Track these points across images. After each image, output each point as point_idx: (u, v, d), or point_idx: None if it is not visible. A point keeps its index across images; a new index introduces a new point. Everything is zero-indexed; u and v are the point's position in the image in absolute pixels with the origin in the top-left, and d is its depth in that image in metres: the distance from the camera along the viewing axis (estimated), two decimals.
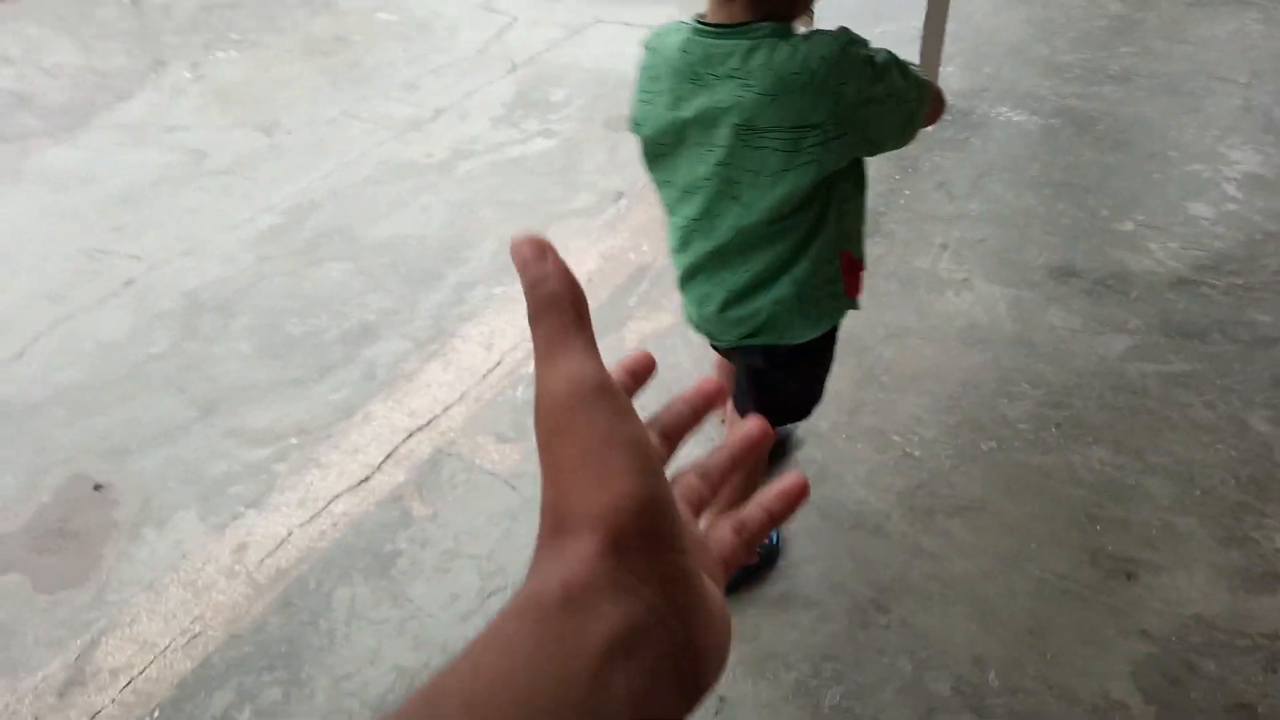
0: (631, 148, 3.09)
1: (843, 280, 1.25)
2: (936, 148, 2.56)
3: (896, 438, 1.76)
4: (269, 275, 2.59)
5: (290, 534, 1.71)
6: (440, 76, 3.70)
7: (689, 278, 1.30)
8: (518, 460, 1.78)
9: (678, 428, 0.37)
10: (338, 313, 2.43)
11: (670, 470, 0.34)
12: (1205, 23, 3.16)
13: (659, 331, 1.99)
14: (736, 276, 1.24)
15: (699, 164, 1.17)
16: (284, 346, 2.30)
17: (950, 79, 2.79)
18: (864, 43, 1.10)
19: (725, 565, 0.34)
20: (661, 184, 1.27)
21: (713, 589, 0.30)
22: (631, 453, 0.28)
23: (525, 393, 1.87)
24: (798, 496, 0.35)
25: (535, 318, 0.29)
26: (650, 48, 1.20)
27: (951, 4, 2.86)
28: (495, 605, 1.54)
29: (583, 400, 0.28)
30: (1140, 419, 1.74)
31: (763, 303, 1.24)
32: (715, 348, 1.40)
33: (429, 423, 1.94)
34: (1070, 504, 1.60)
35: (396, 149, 3.25)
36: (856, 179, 1.20)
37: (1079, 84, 2.76)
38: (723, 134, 1.12)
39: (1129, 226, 2.22)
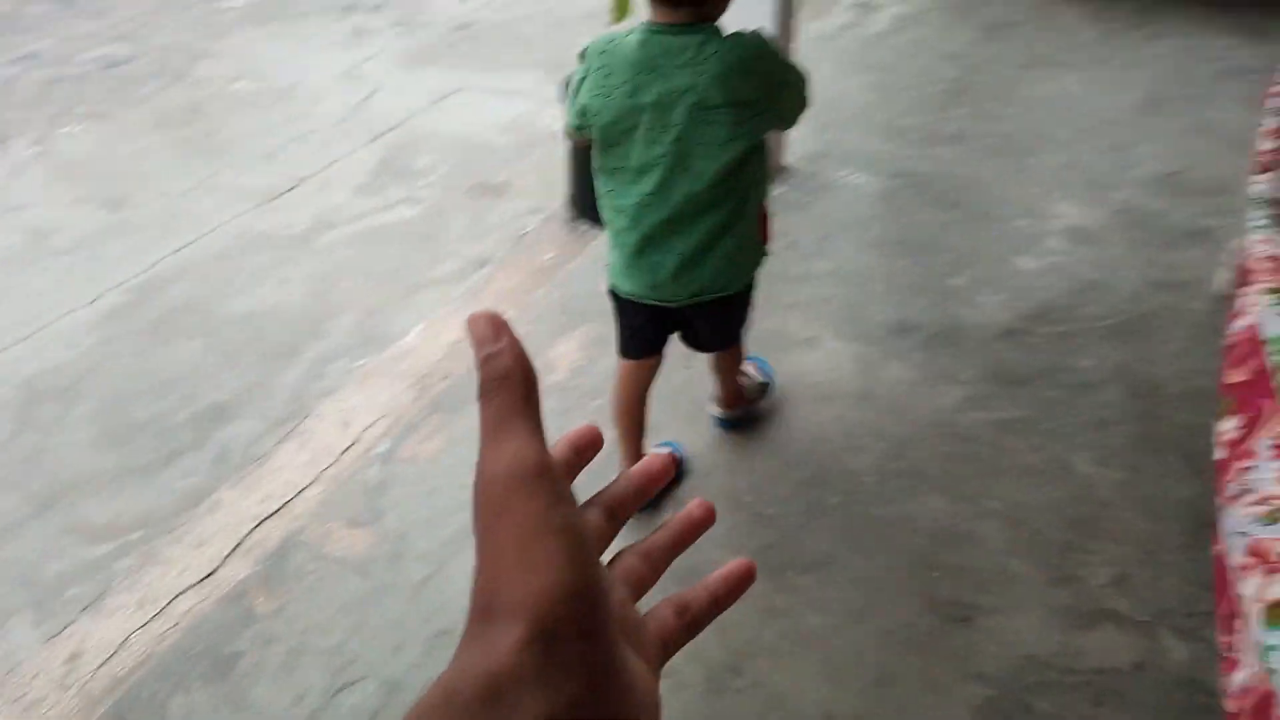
0: (496, 214, 3.10)
1: (761, 230, 1.58)
2: (784, 210, 2.66)
3: (749, 498, 1.80)
4: (114, 357, 2.48)
5: (127, 638, 1.63)
6: (301, 145, 3.65)
7: (639, 252, 1.52)
8: (369, 545, 1.74)
9: (623, 505, 0.37)
10: (188, 394, 2.34)
11: (612, 549, 0.35)
12: (1032, 85, 3.40)
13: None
14: (687, 241, 1.48)
15: (654, 144, 1.40)
16: (128, 432, 2.21)
17: (796, 144, 2.92)
18: (770, 45, 1.41)
19: (664, 648, 0.33)
20: (612, 170, 1.47)
21: (643, 677, 0.30)
22: (564, 540, 0.27)
23: (379, 473, 1.84)
24: (744, 581, 0.36)
25: (484, 394, 0.29)
26: (600, 51, 1.41)
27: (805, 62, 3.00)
28: (345, 701, 1.50)
29: (521, 483, 0.28)
30: (973, 466, 1.83)
31: (709, 263, 1.51)
32: (636, 325, 1.70)
33: (280, 509, 1.89)
34: (911, 553, 1.67)
35: (254, 221, 3.18)
36: (763, 147, 1.49)
37: (917, 146, 2.92)
38: (679, 113, 1.37)
39: (962, 281, 2.35)
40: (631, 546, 0.36)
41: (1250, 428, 1.31)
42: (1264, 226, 1.48)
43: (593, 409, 1.97)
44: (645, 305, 1.61)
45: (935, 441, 1.89)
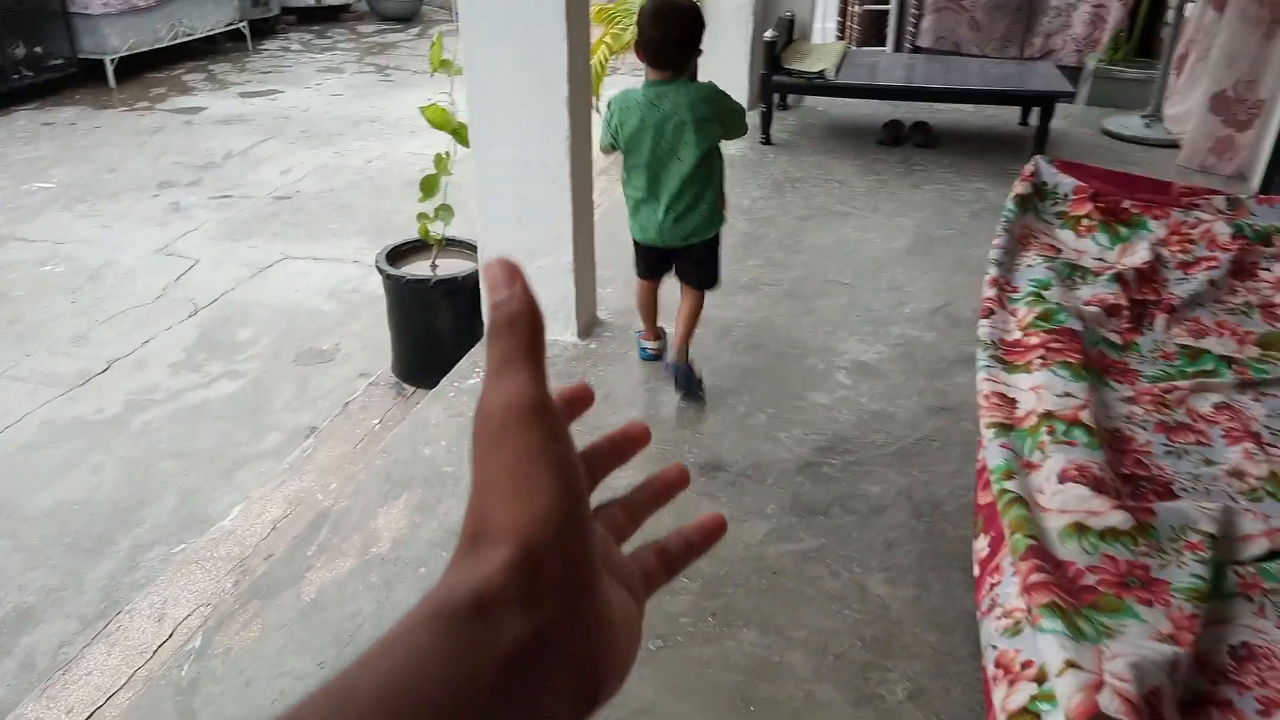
0: (322, 382, 3.11)
1: (720, 204, 2.54)
2: (597, 363, 2.82)
3: None
4: None
5: None
6: (114, 326, 3.58)
7: (649, 213, 2.47)
8: None
9: (603, 465, 0.39)
10: None
11: (594, 501, 0.36)
12: (815, 233, 3.77)
13: (339, 579, 1.99)
14: (677, 206, 2.43)
15: (656, 148, 2.37)
16: None
17: (609, 299, 3.12)
18: (720, 90, 2.44)
19: (647, 584, 0.36)
20: (632, 165, 2.43)
21: (626, 608, 0.32)
22: (556, 471, 0.29)
23: (193, 670, 1.79)
24: (716, 531, 0.39)
25: (492, 336, 0.30)
26: (620, 102, 2.41)
27: (606, 232, 3.23)
28: None
29: (519, 417, 0.29)
30: (780, 597, 1.96)
31: (690, 219, 2.45)
32: (649, 259, 2.61)
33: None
34: (727, 690, 1.75)
35: (62, 407, 3.08)
36: (719, 150, 2.46)
37: (716, 295, 3.16)
38: (670, 128, 2.35)
39: (762, 419, 2.54)
40: (613, 499, 0.38)
41: (995, 547, 1.49)
42: (987, 366, 1.72)
43: (416, 580, 1.99)
44: (653, 248, 2.55)
45: (746, 576, 2.02)
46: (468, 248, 3.10)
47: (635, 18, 5.07)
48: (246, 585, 2.05)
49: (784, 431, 2.49)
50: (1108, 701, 0.96)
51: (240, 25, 7.77)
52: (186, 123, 6.07)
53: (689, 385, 2.62)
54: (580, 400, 0.38)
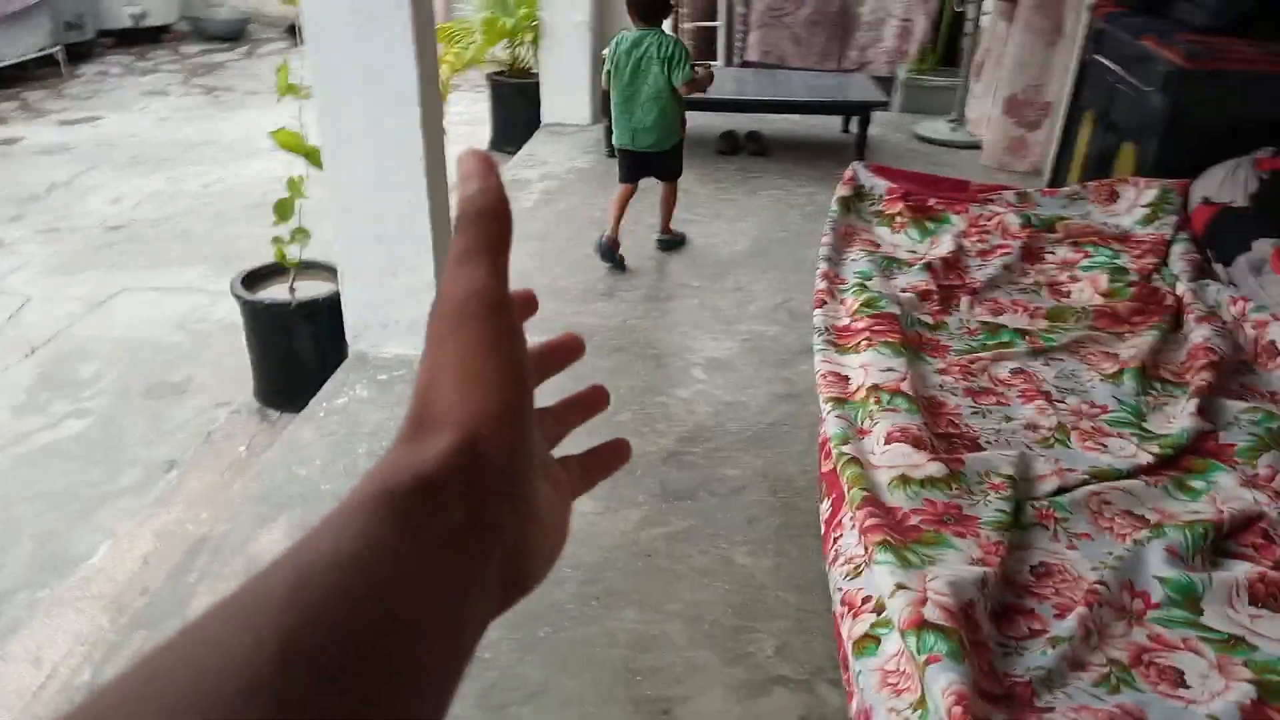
0: (178, 414, 3.06)
1: (680, 124, 3.54)
2: None
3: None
4: None
5: None
6: None
7: (626, 124, 3.43)
8: None
9: (539, 372, 0.40)
10: None
11: None
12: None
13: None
14: (645, 119, 3.40)
15: (635, 74, 3.34)
16: None
17: None
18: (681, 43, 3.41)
19: (572, 490, 0.37)
20: (616, 89, 3.40)
21: (554, 505, 0.33)
22: (506, 367, 0.29)
23: None
24: (624, 453, 0.43)
25: (459, 226, 0.31)
26: (617, 39, 3.40)
27: None
28: None
29: (476, 309, 0.30)
30: (656, 577, 2.12)
31: (655, 130, 3.42)
32: (629, 165, 3.57)
33: None
34: (613, 664, 1.90)
35: None
36: (675, 91, 3.38)
37: (578, 303, 3.30)
38: (645, 60, 3.32)
39: (629, 416, 2.70)
40: (545, 407, 0.39)
41: (837, 506, 1.69)
42: (822, 349, 1.94)
43: None
44: (629, 151, 3.51)
45: (623, 561, 2.17)
46: (325, 269, 3.12)
47: (474, 35, 5.17)
48: (127, 619, 2.04)
49: (649, 426, 2.66)
50: (930, 612, 1.15)
51: (54, 50, 7.35)
52: (2, 154, 5.72)
53: (669, 245, 3.85)
54: (525, 304, 0.39)
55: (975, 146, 5.23)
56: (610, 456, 0.42)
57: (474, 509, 0.27)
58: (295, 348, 3.03)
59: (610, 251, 3.59)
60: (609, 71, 3.43)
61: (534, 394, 0.33)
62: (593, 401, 0.44)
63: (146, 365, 3.46)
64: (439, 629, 0.25)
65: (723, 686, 1.86)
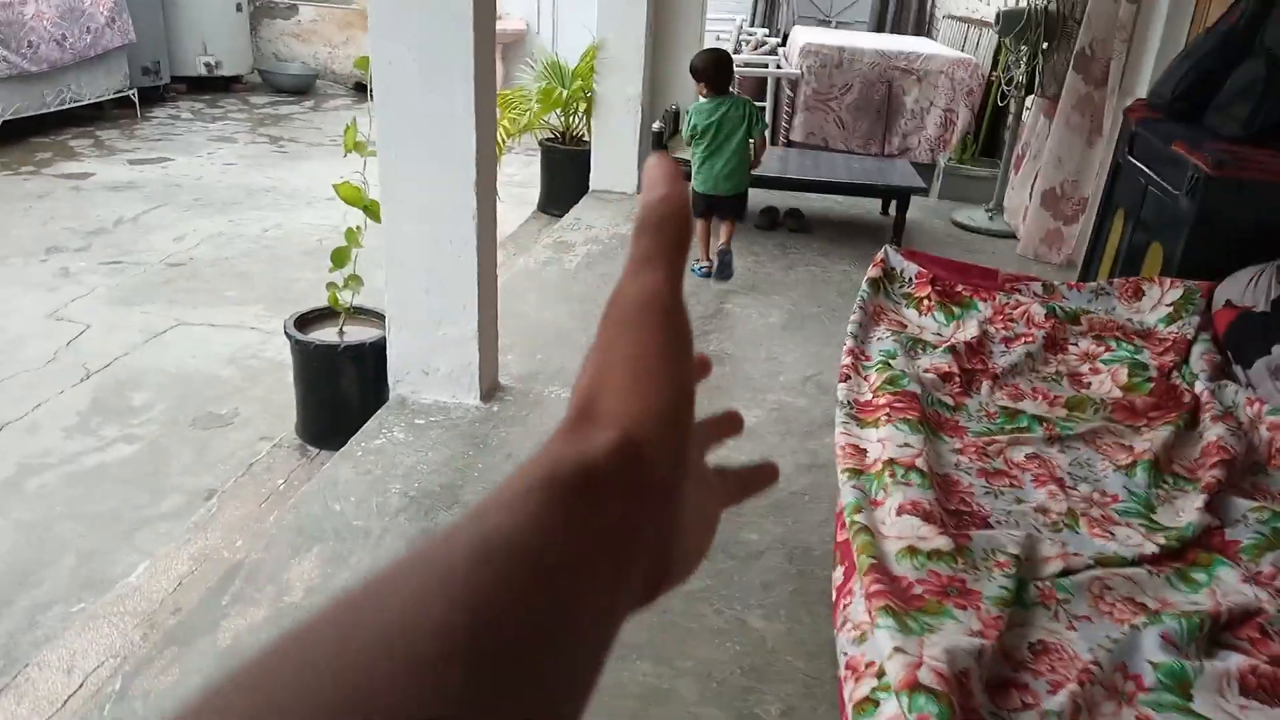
0: (222, 446, 3.18)
1: (754, 165, 4.32)
2: (500, 425, 3.01)
3: None
4: None
5: None
6: (2, 391, 3.55)
7: (706, 174, 4.14)
8: None
9: (711, 437, 0.41)
10: None
11: None
12: (700, 309, 4.08)
13: (254, 625, 2.10)
14: (726, 167, 4.12)
15: (718, 134, 4.06)
16: None
17: (510, 365, 3.33)
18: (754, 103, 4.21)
19: (724, 501, 0.39)
20: (699, 146, 4.10)
21: (703, 512, 0.34)
22: (674, 372, 0.30)
23: (112, 712, 1.86)
24: (772, 476, 0.43)
25: (640, 231, 0.31)
26: (696, 108, 4.09)
27: (508, 303, 3.45)
28: None
29: (650, 312, 0.30)
30: (672, 633, 2.17)
31: (732, 178, 4.16)
32: (706, 203, 4.22)
33: None
34: (623, 715, 1.94)
35: None
36: (749, 143, 4.15)
37: None
38: (726, 120, 4.05)
39: None
40: (700, 419, 0.38)
41: (848, 574, 1.75)
42: (844, 422, 2.01)
43: None
44: (709, 196, 4.16)
45: (640, 615, 2.22)
46: (374, 315, 3.26)
47: (530, 104, 5.39)
48: (159, 635, 2.13)
49: None
50: (925, 675, 1.21)
51: (129, 93, 7.75)
52: (74, 188, 6.02)
53: (727, 266, 4.37)
54: (730, 428, 0.40)
55: (1011, 236, 5.32)
56: (763, 476, 0.44)
57: (631, 510, 0.28)
58: (339, 389, 3.15)
59: (709, 271, 4.40)
60: (691, 133, 4.12)
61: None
62: (735, 425, 0.44)
63: (196, 397, 3.61)
64: (591, 619, 0.26)
65: None
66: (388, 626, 0.21)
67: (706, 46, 5.10)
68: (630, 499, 0.28)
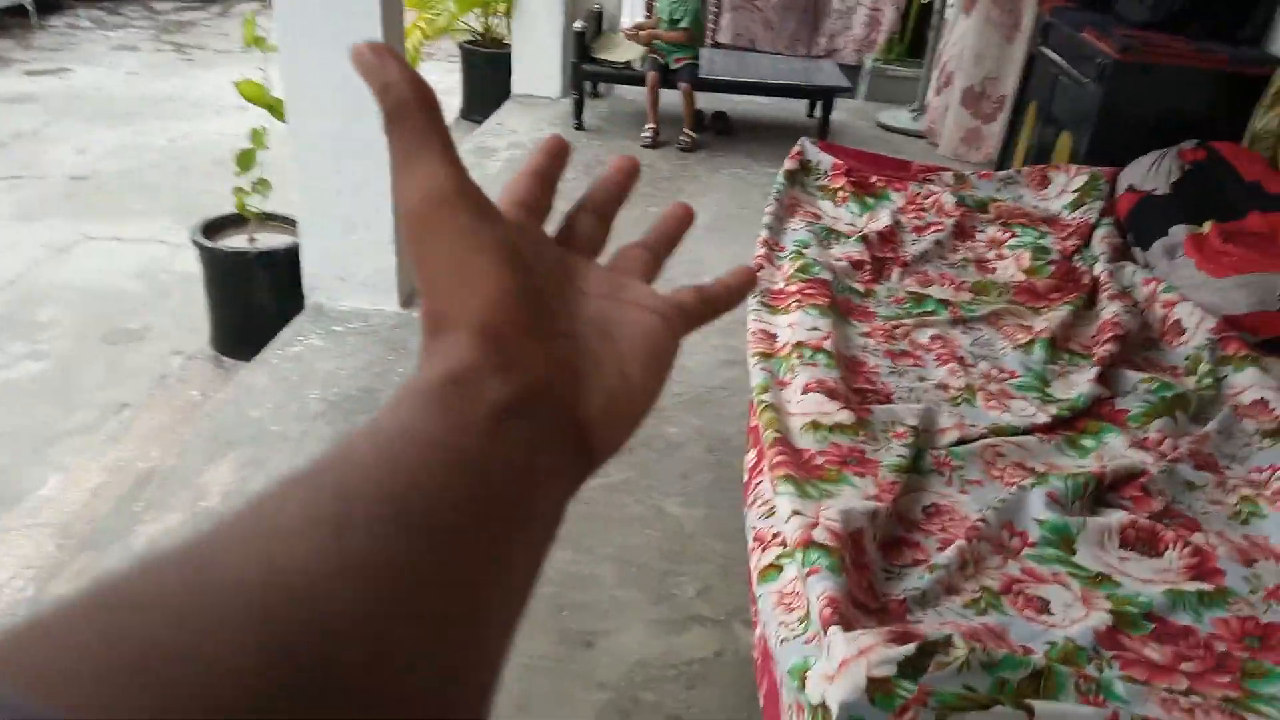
0: (134, 360, 3.08)
1: (700, 41, 4.91)
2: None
3: None
4: None
5: None
6: None
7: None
8: None
9: (607, 204, 0.39)
10: None
11: (611, 247, 0.39)
12: (626, 212, 4.05)
13: (168, 530, 2.08)
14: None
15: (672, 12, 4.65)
16: None
17: None
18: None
19: (685, 318, 0.36)
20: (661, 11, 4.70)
21: (641, 348, 0.32)
22: (492, 252, 0.29)
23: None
24: (748, 283, 0.40)
25: (387, 129, 0.29)
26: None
27: None
28: None
29: (440, 206, 0.28)
30: (593, 523, 2.22)
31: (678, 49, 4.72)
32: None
33: None
34: (545, 599, 1.99)
35: None
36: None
37: None
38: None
39: None
40: (635, 242, 0.39)
41: (760, 456, 1.79)
42: (755, 310, 2.03)
43: None
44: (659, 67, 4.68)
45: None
46: (285, 222, 3.17)
47: (447, 2, 5.20)
48: (74, 543, 2.10)
49: None
50: (819, 533, 1.26)
51: (23, 1, 7.26)
52: None
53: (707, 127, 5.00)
54: (559, 153, 0.38)
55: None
56: (735, 286, 0.40)
57: (513, 385, 0.27)
58: (253, 298, 3.08)
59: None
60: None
61: (541, 264, 0.33)
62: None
63: (105, 312, 3.50)
64: (508, 506, 0.25)
65: (644, 623, 1.96)
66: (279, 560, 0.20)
67: None
68: (507, 375, 0.27)
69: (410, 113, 0.29)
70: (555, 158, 0.38)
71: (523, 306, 0.29)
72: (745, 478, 1.87)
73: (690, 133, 4.87)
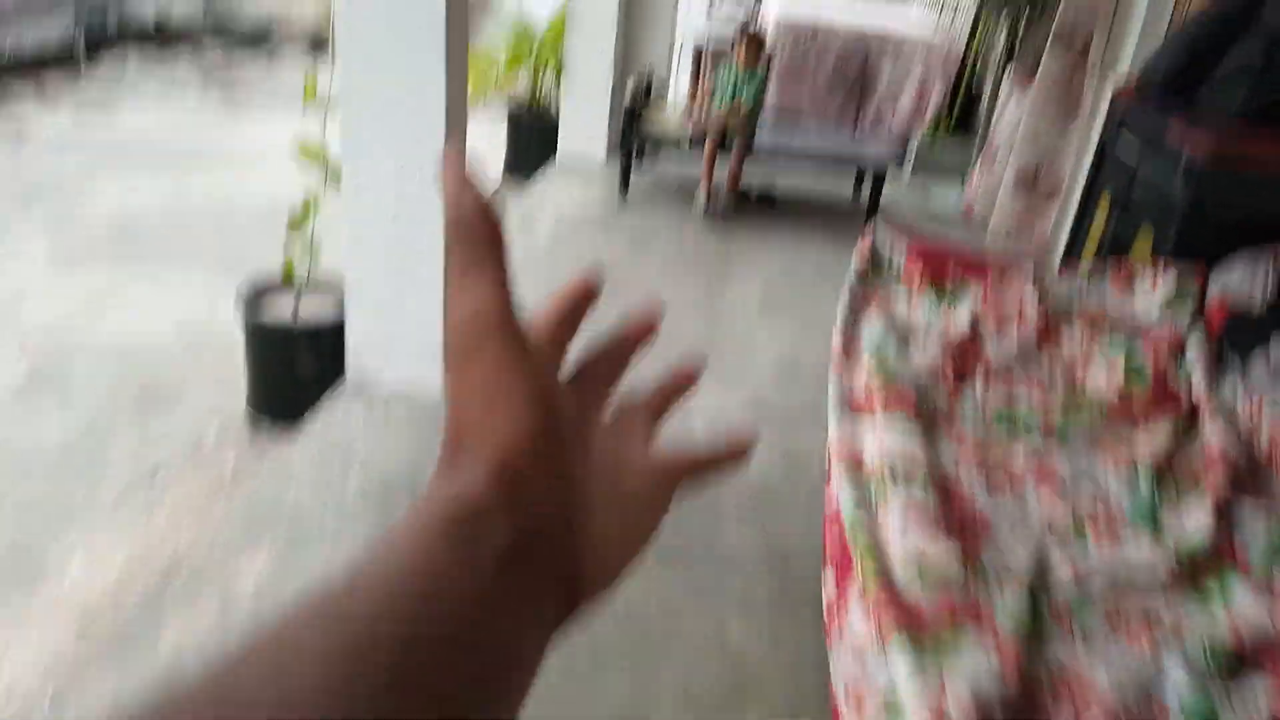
0: (168, 421, 2.98)
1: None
2: None
3: None
4: None
5: None
6: None
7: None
8: None
9: (624, 354, 0.38)
10: None
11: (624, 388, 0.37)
12: (672, 288, 3.94)
13: (196, 636, 1.95)
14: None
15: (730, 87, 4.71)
16: None
17: None
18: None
19: (681, 481, 0.34)
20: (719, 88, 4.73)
21: (634, 504, 0.32)
22: (525, 388, 0.29)
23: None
24: (745, 451, 0.37)
25: (449, 247, 0.30)
26: (731, 70, 4.71)
27: None
28: None
29: (483, 332, 0.29)
30: (647, 644, 2.06)
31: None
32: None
33: None
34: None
35: None
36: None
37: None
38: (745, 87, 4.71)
39: None
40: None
41: (841, 578, 1.64)
42: (835, 412, 1.90)
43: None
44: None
45: (611, 620, 2.11)
46: (331, 287, 3.08)
47: (498, 62, 5.18)
48: (94, 641, 1.97)
49: None
50: (953, 712, 1.11)
51: (75, 43, 7.35)
52: (14, 144, 5.69)
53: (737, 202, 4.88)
54: (586, 296, 0.37)
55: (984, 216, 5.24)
56: (729, 456, 0.37)
57: (521, 530, 0.28)
58: (294, 366, 2.97)
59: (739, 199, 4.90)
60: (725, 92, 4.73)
61: (571, 393, 0.34)
62: (679, 386, 0.39)
63: (140, 368, 3.40)
64: (498, 648, 0.26)
65: None
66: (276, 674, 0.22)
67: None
68: (516, 519, 0.28)
69: (473, 235, 0.30)
70: (585, 297, 0.38)
71: (540, 450, 0.29)
72: (829, 596, 1.71)
73: (736, 193, 4.88)
